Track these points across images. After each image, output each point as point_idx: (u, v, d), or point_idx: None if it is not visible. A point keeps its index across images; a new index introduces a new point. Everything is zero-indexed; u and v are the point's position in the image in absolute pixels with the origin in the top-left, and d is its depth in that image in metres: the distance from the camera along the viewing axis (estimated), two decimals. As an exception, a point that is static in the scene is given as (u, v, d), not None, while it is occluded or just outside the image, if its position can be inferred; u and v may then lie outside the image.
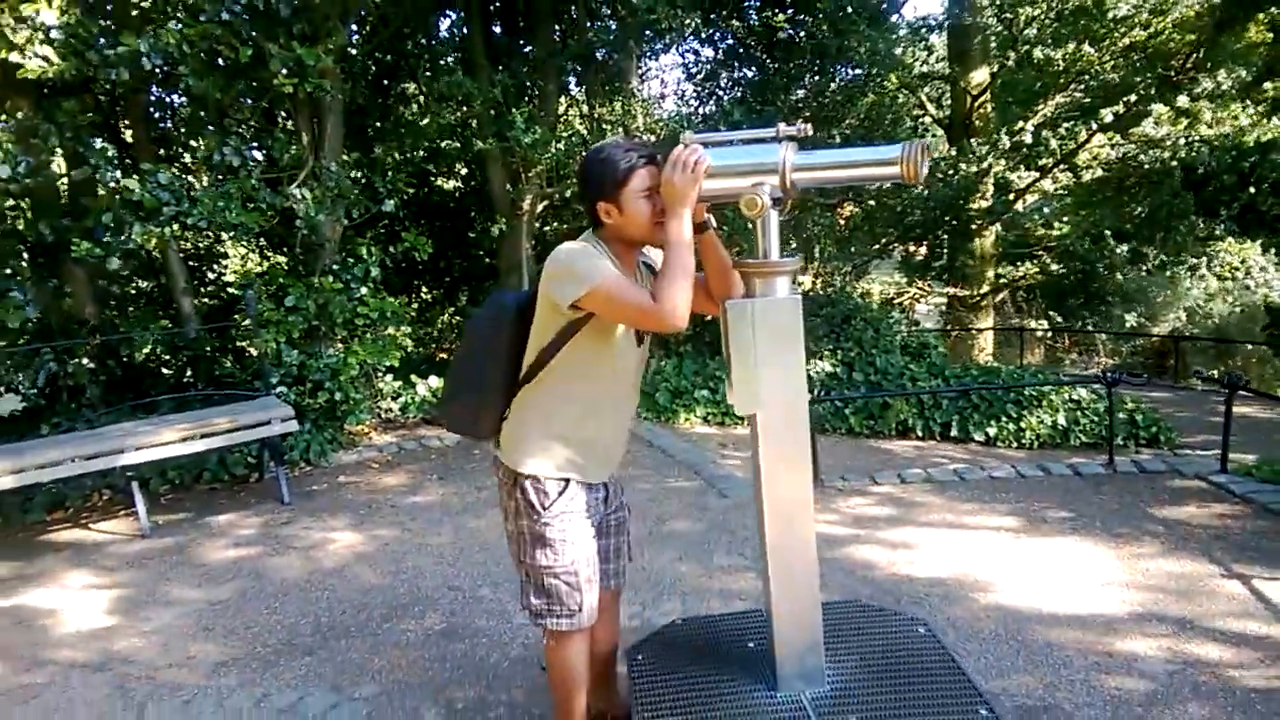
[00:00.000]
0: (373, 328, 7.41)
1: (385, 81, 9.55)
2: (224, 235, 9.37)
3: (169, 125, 8.11)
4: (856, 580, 4.26)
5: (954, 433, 7.28)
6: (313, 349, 7.19)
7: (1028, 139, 13.44)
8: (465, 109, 7.89)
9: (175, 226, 6.20)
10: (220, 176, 6.69)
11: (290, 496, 6.12)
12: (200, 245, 9.65)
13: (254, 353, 6.93)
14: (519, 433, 2.42)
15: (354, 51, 8.13)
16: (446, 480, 6.51)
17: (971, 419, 7.26)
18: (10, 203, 6.79)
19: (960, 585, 4.14)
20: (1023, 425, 7.21)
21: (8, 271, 6.81)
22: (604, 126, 8.52)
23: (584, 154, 2.45)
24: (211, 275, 10.05)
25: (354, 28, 8.26)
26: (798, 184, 2.29)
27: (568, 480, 2.41)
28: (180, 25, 5.91)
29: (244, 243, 10.06)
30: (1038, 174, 14.69)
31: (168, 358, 7.93)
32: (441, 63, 8.96)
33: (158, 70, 6.27)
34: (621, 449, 2.58)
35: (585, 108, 9.93)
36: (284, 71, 6.24)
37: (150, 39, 5.80)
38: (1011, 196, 14.62)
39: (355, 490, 6.36)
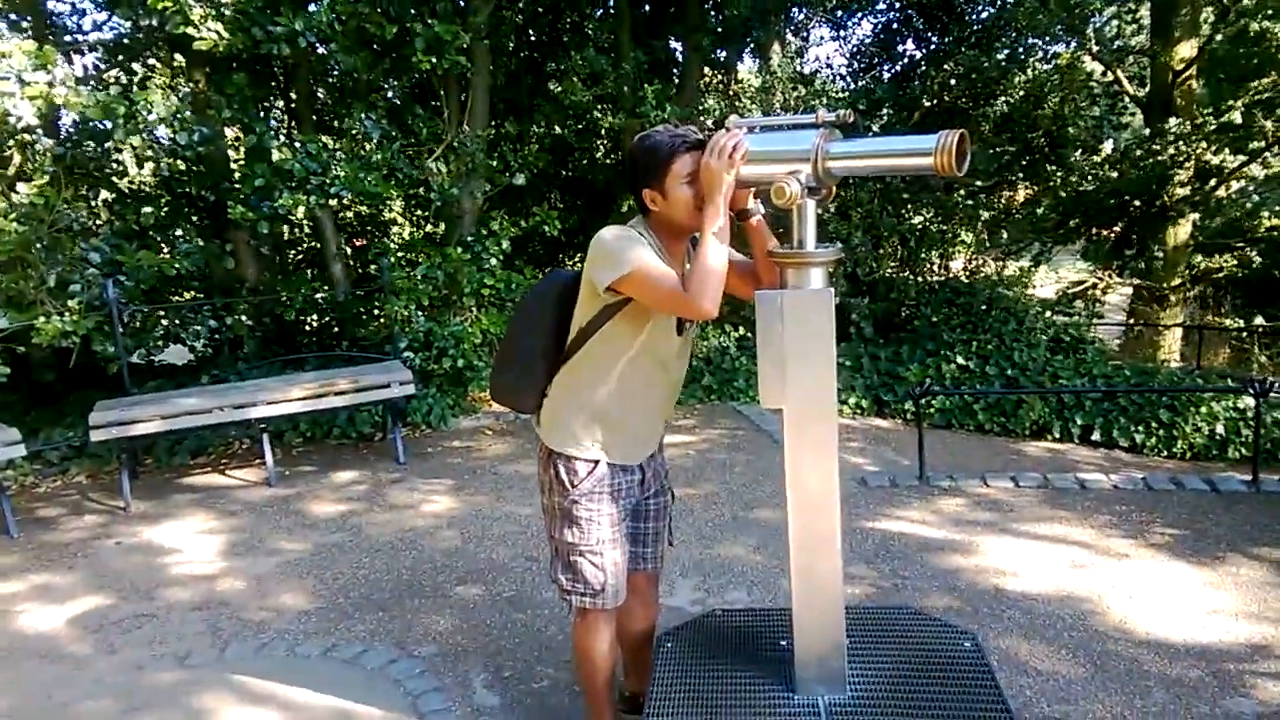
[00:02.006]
0: (500, 299, 7.60)
1: (536, 56, 9.73)
2: (390, 205, 9.91)
3: (324, 99, 8.55)
4: (939, 586, 4.02)
5: (1096, 436, 6.71)
6: (442, 317, 7.46)
7: (1237, 119, 12.18)
8: (598, 86, 7.89)
9: (319, 195, 6.55)
10: (365, 149, 7.01)
11: (405, 457, 6.40)
12: (362, 214, 10.17)
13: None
14: (555, 410, 2.45)
15: (504, 29, 8.24)
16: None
17: (1117, 422, 6.67)
18: (183, 167, 7.37)
19: (1048, 601, 3.83)
20: (1175, 433, 6.56)
21: (178, 233, 7.43)
22: (739, 104, 8.33)
23: (631, 140, 2.45)
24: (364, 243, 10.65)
25: (504, 5, 8.41)
26: (834, 172, 2.18)
27: (597, 461, 2.42)
28: (331, 3, 6.19)
29: (403, 214, 10.62)
30: (1247, 158, 13.28)
31: (316, 319, 8.44)
32: (590, 38, 9.04)
33: (313, 47, 6.61)
34: (658, 435, 2.58)
35: (725, 83, 9.76)
36: (422, 49, 6.42)
37: (305, 17, 6.12)
38: (1214, 182, 13.29)
39: (464, 455, 6.57)
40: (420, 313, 7.15)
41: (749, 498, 5.34)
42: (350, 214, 9.79)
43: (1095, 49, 13.30)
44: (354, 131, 6.94)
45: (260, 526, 5.26)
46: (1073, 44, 10.57)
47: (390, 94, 7.89)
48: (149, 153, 6.44)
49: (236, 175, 7.36)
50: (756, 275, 2.41)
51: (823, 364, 2.26)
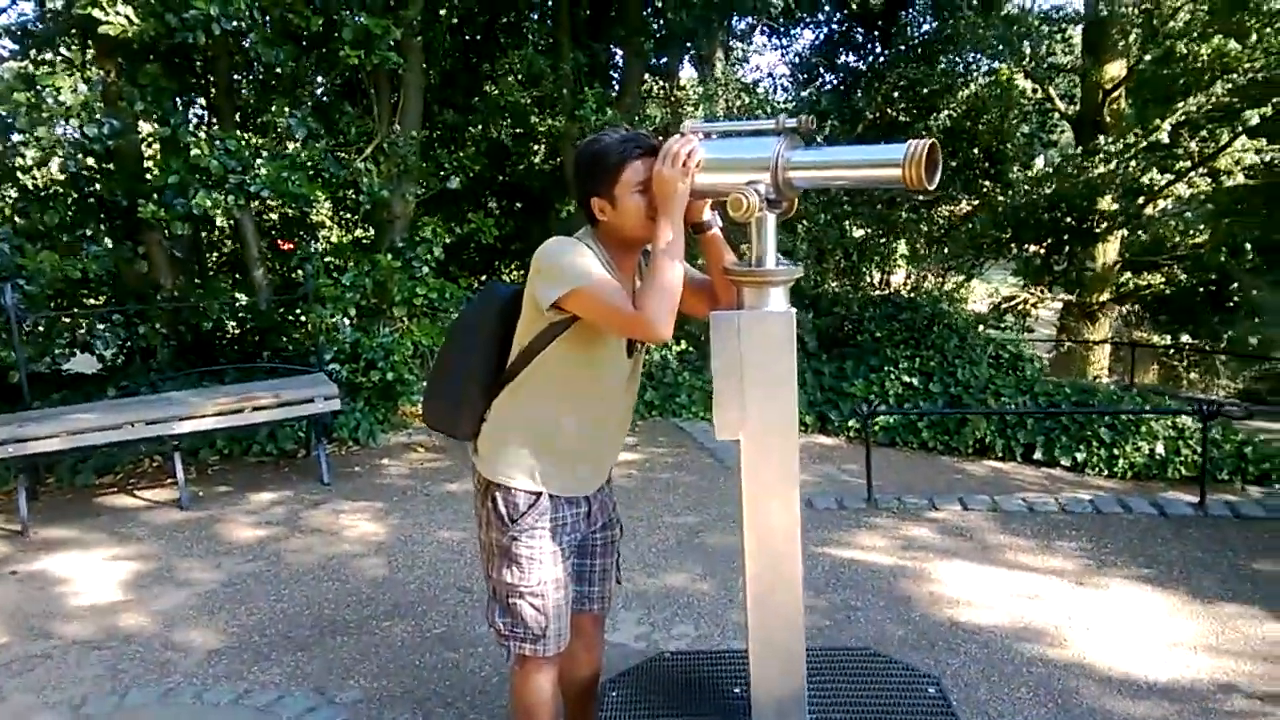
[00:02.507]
0: (432, 309, 7.28)
1: (472, 57, 9.42)
2: (317, 207, 9.49)
3: (247, 94, 8.12)
4: (892, 618, 3.85)
5: (1038, 455, 6.68)
6: (371, 327, 7.11)
7: (1164, 139, 12.44)
8: (536, 87, 7.63)
9: (238, 195, 6.16)
10: (288, 147, 6.64)
11: (329, 476, 6.03)
12: (287, 215, 9.73)
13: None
14: (494, 437, 2.24)
15: (438, 25, 7.92)
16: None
17: (1059, 441, 6.65)
18: (91, 163, 6.89)
19: (1005, 634, 3.68)
20: (1115, 452, 6.56)
21: (86, 232, 6.95)
22: (681, 110, 8.15)
23: (578, 144, 2.24)
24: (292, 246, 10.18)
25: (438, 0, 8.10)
26: (795, 184, 2.01)
27: (540, 493, 2.21)
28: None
29: (332, 217, 10.20)
30: (1173, 177, 13.59)
31: (236, 327, 8.00)
32: (529, 38, 8.76)
33: (232, 37, 6.23)
34: (607, 465, 2.39)
35: (666, 89, 9.58)
36: (350, 42, 6.08)
37: (220, 3, 5.73)
38: (1142, 200, 13.57)
39: (393, 475, 6.24)
40: (347, 322, 6.79)
41: (694, 521, 5.13)
42: (275, 216, 9.35)
43: (1029, 66, 13.50)
44: (278, 128, 6.56)
45: (170, 554, 4.86)
46: (1008, 61, 10.64)
47: (318, 90, 7.50)
48: (56, 147, 5.96)
49: (151, 173, 6.90)
50: (713, 293, 2.25)
51: (784, 391, 2.07)
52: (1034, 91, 14.97)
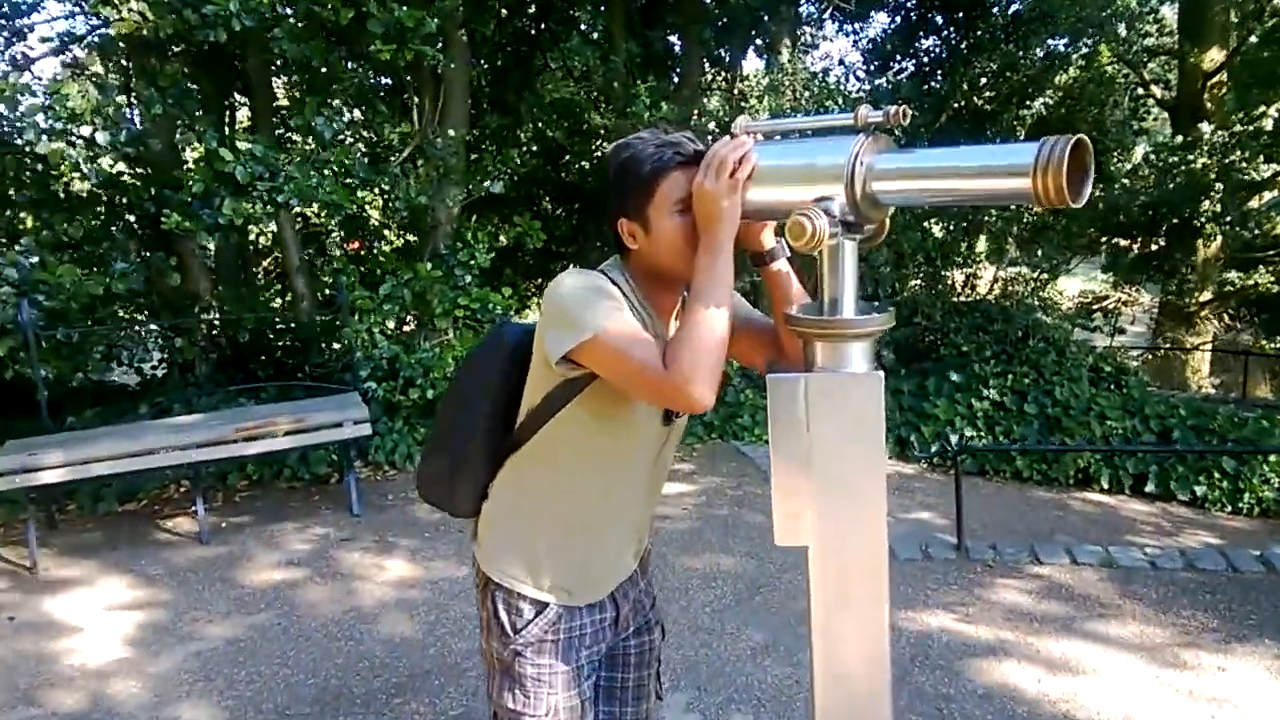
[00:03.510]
0: (477, 321, 6.77)
1: (524, 50, 8.90)
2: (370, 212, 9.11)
3: (287, 97, 7.73)
4: (994, 712, 3.19)
5: (1150, 487, 5.89)
6: (411, 341, 6.64)
7: (1268, 125, 11.36)
8: (588, 82, 7.06)
9: (265, 203, 5.74)
10: (320, 151, 6.20)
11: (360, 507, 5.57)
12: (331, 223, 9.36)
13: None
14: (496, 521, 1.83)
15: (483, 16, 7.42)
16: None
17: (1174, 471, 5.86)
18: (110, 169, 6.55)
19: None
20: (1240, 484, 5.75)
21: (108, 245, 6.62)
22: (745, 105, 7.50)
23: (609, 148, 1.70)
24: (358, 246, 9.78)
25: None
26: (882, 199, 1.42)
27: (548, 603, 1.76)
28: (273, -16, 5.39)
29: (382, 221, 9.79)
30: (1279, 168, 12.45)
31: (281, 339, 7.62)
32: (580, 29, 8.21)
33: (255, 34, 5.79)
34: (634, 555, 1.91)
35: (728, 81, 8.92)
36: (380, 36, 5.60)
37: (241, -1, 5.31)
38: (1244, 193, 12.46)
39: (427, 506, 5.74)
40: (384, 337, 6.33)
41: (755, 572, 4.51)
42: (332, 218, 8.96)
43: (1121, 49, 12.51)
44: (314, 131, 6.11)
45: (181, 600, 4.44)
46: (1098, 42, 9.73)
47: (359, 89, 7.04)
48: (71, 152, 5.60)
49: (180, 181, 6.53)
50: (777, 341, 1.75)
51: (870, 486, 1.48)
52: (1124, 76, 13.95)
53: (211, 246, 5.78)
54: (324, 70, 6.39)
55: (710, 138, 1.68)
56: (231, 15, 5.30)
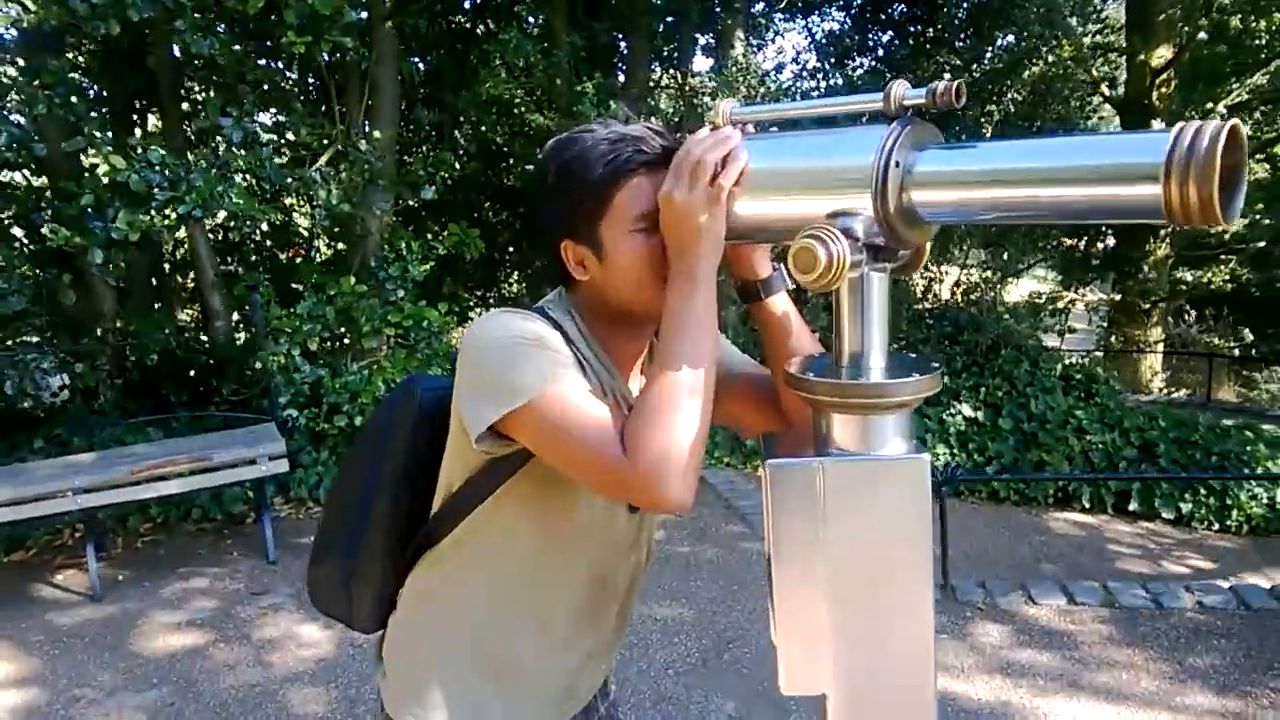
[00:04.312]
0: (410, 341, 6.20)
1: (459, 46, 8.34)
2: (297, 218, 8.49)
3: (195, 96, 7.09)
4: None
5: (1133, 505, 5.56)
6: (337, 363, 6.06)
7: (1217, 123, 11.24)
8: (529, 79, 6.54)
9: (167, 214, 5.14)
10: (226, 156, 5.59)
11: (276, 552, 4.98)
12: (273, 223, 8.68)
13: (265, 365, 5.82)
14: (404, 647, 1.40)
15: (413, 7, 6.85)
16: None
17: (1158, 489, 5.52)
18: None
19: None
20: (1228, 500, 5.44)
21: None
22: (697, 103, 7.03)
23: (547, 146, 1.24)
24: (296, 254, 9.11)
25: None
26: (923, 213, 1.00)
27: None
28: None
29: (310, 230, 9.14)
30: (1229, 164, 12.38)
31: (190, 362, 6.97)
32: (521, 21, 7.66)
33: (153, 26, 5.21)
34: (597, 677, 1.48)
35: (678, 78, 8.45)
36: (293, 26, 5.02)
37: (138, -15, 4.71)
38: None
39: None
40: (305, 360, 5.73)
41: (723, 624, 4.02)
42: (249, 231, 8.31)
43: (1071, 41, 12.36)
44: (220, 133, 5.51)
45: (60, 674, 3.83)
46: (1058, 37, 9.48)
47: (266, 88, 6.44)
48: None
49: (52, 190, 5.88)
50: (777, 402, 1.31)
51: (912, 610, 1.04)
52: (1073, 71, 13.85)
53: (99, 262, 5.14)
54: (237, 66, 5.78)
55: (680, 135, 1.19)
56: (126, 5, 4.70)
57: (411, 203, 6.57)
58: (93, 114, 5.65)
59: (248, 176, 5.35)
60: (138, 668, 3.87)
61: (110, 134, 5.71)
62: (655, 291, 1.13)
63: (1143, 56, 13.24)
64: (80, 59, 6.95)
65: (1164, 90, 13.24)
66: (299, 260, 8.55)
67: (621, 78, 7.81)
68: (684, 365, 1.06)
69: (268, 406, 5.75)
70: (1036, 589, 4.12)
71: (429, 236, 7.23)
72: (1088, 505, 5.63)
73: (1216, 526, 5.46)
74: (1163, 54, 13.18)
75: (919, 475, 1.00)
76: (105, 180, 5.13)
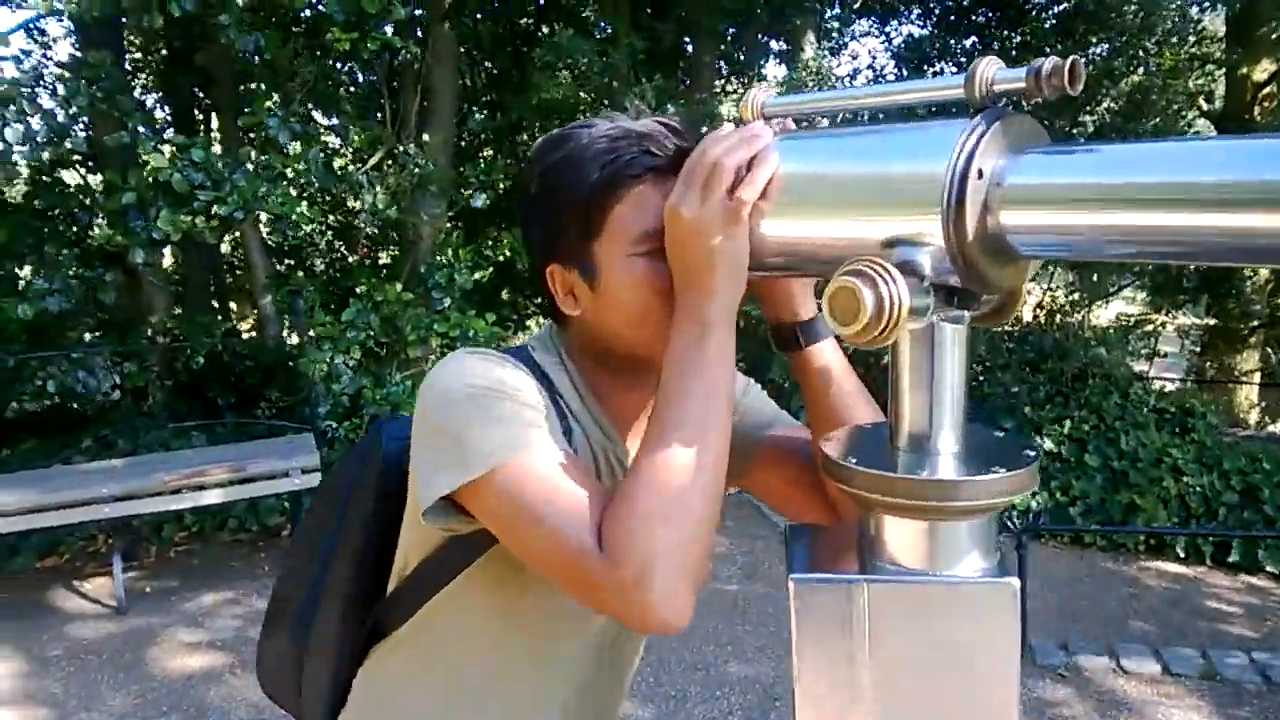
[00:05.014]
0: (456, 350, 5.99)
1: (524, 49, 8.14)
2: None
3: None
4: None
5: (1234, 556, 5.03)
6: (382, 373, 5.86)
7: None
8: (586, 81, 6.28)
9: (204, 215, 5.00)
10: (280, 155, 5.44)
11: (307, 570, 4.77)
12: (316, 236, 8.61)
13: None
14: None
15: (470, 5, 6.67)
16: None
17: (1262, 541, 5.00)
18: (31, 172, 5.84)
19: None
20: (1341, 555, 4.90)
21: (32, 257, 5.89)
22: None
23: (535, 145, 1.03)
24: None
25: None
26: (1018, 242, 0.69)
27: None
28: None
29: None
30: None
31: (236, 367, 6.87)
32: (585, 20, 7.44)
33: (198, 20, 5.08)
34: None
35: (747, 85, 8.12)
36: (339, 23, 4.84)
37: (176, -27, 4.58)
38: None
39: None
40: (349, 368, 5.54)
41: (771, 677, 3.66)
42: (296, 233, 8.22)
43: (1175, 55, 11.72)
44: (267, 133, 5.36)
45: (72, 695, 3.68)
46: (1159, 45, 8.91)
47: (316, 87, 6.29)
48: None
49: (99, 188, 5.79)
50: (822, 486, 1.03)
51: None
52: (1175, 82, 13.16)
53: (140, 261, 5.04)
54: (288, 65, 5.63)
55: (708, 126, 0.88)
56: (166, -4, 4.57)
57: (458, 208, 6.32)
58: (145, 110, 5.53)
59: (290, 178, 5.16)
60: (150, 691, 3.68)
61: (165, 132, 5.56)
62: (660, 331, 0.89)
63: (1244, 70, 12.57)
64: (137, 55, 6.87)
65: (1266, 105, 12.52)
66: (366, 263, 8.47)
67: (685, 82, 7.52)
68: (686, 434, 0.82)
69: (308, 415, 5.57)
70: (1124, 651, 3.67)
71: (485, 245, 7.04)
72: (1183, 555, 5.11)
73: (1329, 584, 4.92)
74: (1266, 67, 12.48)
75: (1003, 604, 0.71)
76: (150, 179, 5.01)
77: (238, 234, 6.77)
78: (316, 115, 6.03)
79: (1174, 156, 0.63)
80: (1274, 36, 12.38)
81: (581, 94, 6.47)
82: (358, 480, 1.13)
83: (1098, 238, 0.66)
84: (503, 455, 0.83)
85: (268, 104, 5.17)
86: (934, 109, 0.80)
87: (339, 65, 6.25)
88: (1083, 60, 0.64)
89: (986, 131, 0.67)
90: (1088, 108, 7.02)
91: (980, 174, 0.67)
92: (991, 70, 0.68)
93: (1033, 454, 0.73)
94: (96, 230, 5.01)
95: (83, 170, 6.34)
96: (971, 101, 0.69)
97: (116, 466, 4.80)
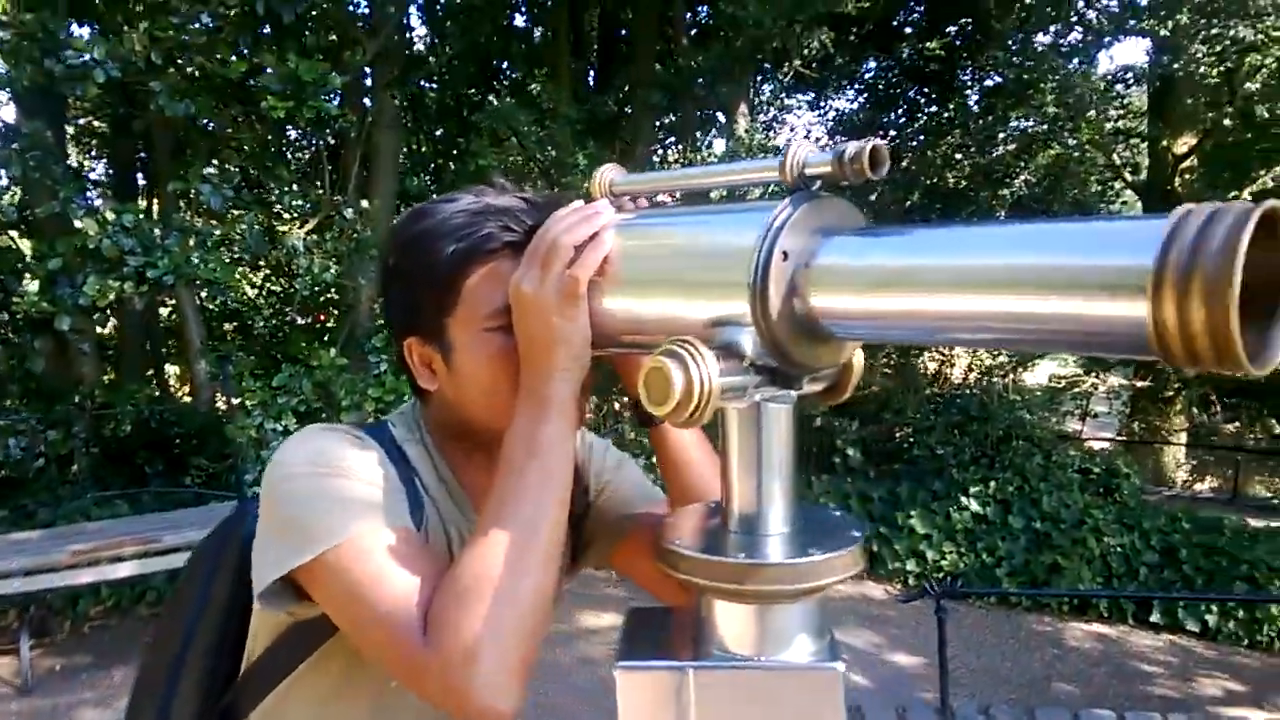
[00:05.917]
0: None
1: (471, 117, 8.28)
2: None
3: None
4: None
5: (1155, 616, 5.13)
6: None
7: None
8: (523, 150, 6.40)
9: (134, 281, 4.96)
10: (210, 221, 5.45)
11: (227, 644, 4.65)
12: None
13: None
14: None
15: (415, 73, 6.78)
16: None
17: (1180, 601, 5.11)
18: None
19: None
20: (1258, 614, 5.02)
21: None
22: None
23: (398, 218, 1.07)
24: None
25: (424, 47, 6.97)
26: (830, 325, 0.70)
27: None
28: (147, 28, 4.70)
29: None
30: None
31: (165, 433, 6.74)
32: (533, 95, 7.59)
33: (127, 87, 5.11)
34: None
35: (682, 152, 8.33)
36: (275, 92, 4.89)
37: (106, 44, 4.61)
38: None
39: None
40: (279, 435, 5.48)
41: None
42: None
43: (1094, 130, 12.21)
44: (199, 198, 5.37)
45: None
46: (1076, 120, 9.31)
47: (250, 152, 6.32)
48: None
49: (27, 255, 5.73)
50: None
51: None
52: (1091, 155, 13.69)
53: (66, 328, 4.98)
54: (225, 131, 5.67)
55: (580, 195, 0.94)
56: (96, 64, 4.59)
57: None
58: (80, 177, 5.52)
59: (224, 243, 5.16)
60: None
61: (105, 197, 5.53)
62: (512, 407, 0.86)
63: (1165, 143, 13.10)
64: (80, 121, 6.87)
65: (1187, 177, 13.03)
66: (311, 326, 8.42)
67: (619, 150, 7.70)
68: (519, 517, 0.80)
69: (234, 482, 5.48)
70: (1044, 717, 3.71)
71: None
72: (1106, 614, 5.20)
73: (1246, 642, 5.02)
74: (1186, 140, 13.01)
75: (829, 689, 0.71)
76: (77, 245, 4.97)
77: (174, 300, 6.73)
78: (259, 179, 6.01)
79: (975, 240, 0.63)
80: (1194, 109, 13.02)
81: (520, 161, 6.58)
82: (219, 561, 1.10)
83: (906, 322, 0.66)
84: (335, 537, 0.82)
85: (205, 170, 5.15)
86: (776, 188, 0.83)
87: (280, 131, 6.29)
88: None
89: (793, 213, 0.68)
90: (1007, 182, 7.29)
91: (785, 255, 0.67)
92: (802, 153, 0.70)
93: (857, 534, 0.74)
94: (18, 297, 4.92)
95: (15, 234, 6.27)
96: (785, 183, 0.71)
97: (31, 538, 4.66)
